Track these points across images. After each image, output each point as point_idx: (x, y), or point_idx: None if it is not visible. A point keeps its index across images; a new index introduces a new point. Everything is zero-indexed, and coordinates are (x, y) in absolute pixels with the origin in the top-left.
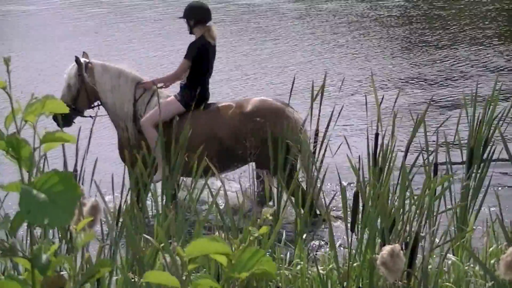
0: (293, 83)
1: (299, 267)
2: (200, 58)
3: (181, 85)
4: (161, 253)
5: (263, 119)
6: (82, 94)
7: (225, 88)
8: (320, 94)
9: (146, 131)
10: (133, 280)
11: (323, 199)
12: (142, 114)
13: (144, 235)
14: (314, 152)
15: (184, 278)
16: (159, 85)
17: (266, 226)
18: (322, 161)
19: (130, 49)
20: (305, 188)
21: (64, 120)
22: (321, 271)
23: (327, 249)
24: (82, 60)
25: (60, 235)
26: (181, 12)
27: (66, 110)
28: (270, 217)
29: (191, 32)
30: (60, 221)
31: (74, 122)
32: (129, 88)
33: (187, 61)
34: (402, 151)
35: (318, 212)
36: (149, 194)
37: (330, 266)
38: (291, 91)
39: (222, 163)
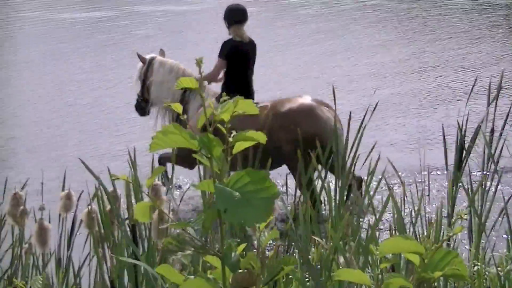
0: (475, 82)
1: (476, 267)
2: (233, 58)
3: (222, 85)
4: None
5: (293, 119)
6: (145, 87)
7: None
8: (497, 93)
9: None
10: (307, 280)
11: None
12: (187, 110)
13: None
14: (490, 153)
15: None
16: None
17: (460, 226)
18: (497, 161)
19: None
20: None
21: (139, 110)
22: (499, 272)
23: (504, 250)
24: (149, 56)
25: (233, 232)
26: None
27: (256, 111)
28: (465, 217)
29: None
30: (256, 220)
31: (148, 113)
32: None
33: (220, 60)
34: None
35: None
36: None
37: (508, 267)
38: (471, 91)
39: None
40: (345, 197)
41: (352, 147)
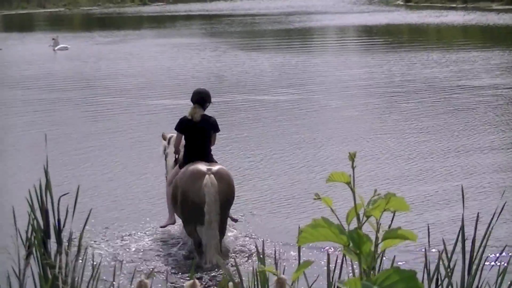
0: None
1: None
2: (184, 132)
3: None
4: None
5: (180, 182)
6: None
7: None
8: None
9: (166, 188)
10: None
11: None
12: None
13: None
14: None
15: None
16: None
17: None
18: None
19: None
20: None
21: None
22: None
23: None
24: (169, 135)
25: None
26: None
27: (409, 209)
28: None
29: None
30: None
31: None
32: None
33: (177, 133)
34: None
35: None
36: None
37: None
38: None
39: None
40: None
41: (479, 249)
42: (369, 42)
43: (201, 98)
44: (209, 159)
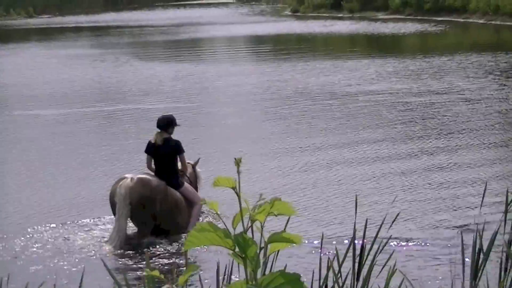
0: None
1: None
2: (150, 154)
3: None
4: None
5: (112, 187)
6: None
7: None
8: None
9: None
10: None
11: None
12: None
13: None
14: None
15: None
16: None
17: None
18: None
19: None
20: None
21: None
22: None
23: None
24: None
25: None
26: None
27: (294, 212)
28: None
29: None
30: None
31: None
32: None
33: (146, 154)
34: None
35: None
36: None
37: None
38: None
39: None
40: None
41: (367, 255)
42: (261, 52)
43: (164, 124)
44: (172, 179)
